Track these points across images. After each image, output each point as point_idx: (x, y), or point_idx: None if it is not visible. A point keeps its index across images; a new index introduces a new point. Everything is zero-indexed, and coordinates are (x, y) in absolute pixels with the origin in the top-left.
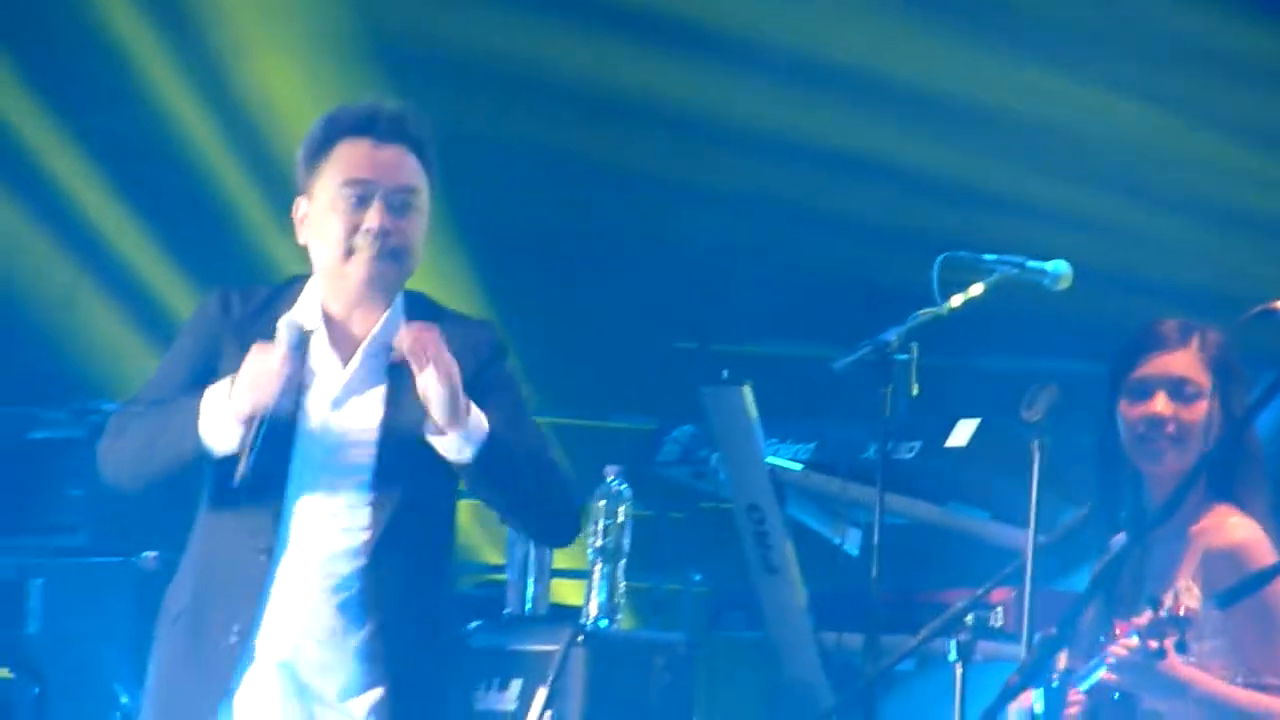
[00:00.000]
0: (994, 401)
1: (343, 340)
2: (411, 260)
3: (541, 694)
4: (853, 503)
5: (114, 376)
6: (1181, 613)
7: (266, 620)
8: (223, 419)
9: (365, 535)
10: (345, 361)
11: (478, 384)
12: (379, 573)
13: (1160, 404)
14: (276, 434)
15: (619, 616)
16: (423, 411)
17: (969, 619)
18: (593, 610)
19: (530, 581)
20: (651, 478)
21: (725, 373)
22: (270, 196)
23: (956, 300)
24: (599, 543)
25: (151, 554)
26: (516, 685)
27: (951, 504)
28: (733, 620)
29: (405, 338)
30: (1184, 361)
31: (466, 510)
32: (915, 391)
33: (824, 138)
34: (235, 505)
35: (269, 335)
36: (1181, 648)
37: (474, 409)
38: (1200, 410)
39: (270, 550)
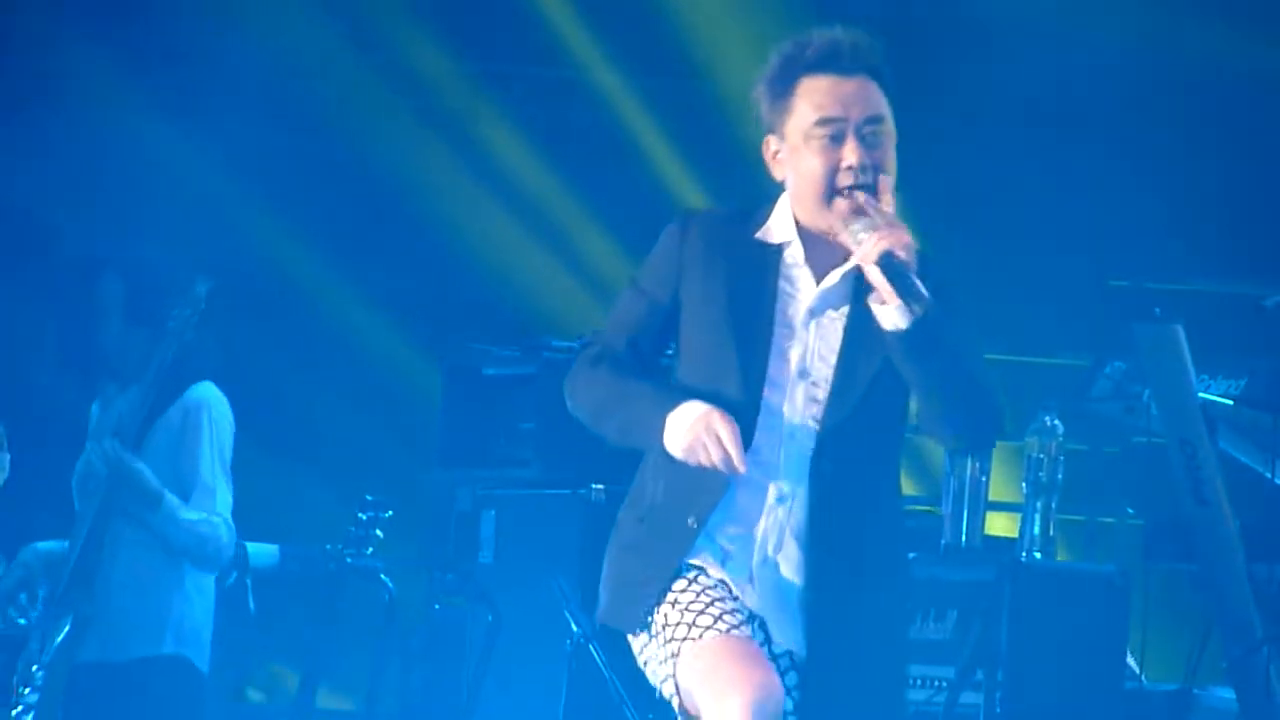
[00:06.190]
0: None
1: (817, 258)
2: (890, 186)
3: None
4: None
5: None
6: None
7: (723, 512)
8: (676, 440)
9: (814, 445)
10: (819, 279)
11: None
12: (825, 480)
13: None
14: (755, 346)
15: (1053, 549)
16: (880, 343)
17: None
18: (1027, 542)
19: (966, 514)
20: (1085, 413)
21: (1158, 310)
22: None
23: None
24: (1034, 477)
25: (599, 486)
26: (952, 615)
27: None
28: (1165, 552)
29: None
30: None
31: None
32: None
33: None
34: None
35: (734, 256)
36: None
37: (920, 287)
38: None
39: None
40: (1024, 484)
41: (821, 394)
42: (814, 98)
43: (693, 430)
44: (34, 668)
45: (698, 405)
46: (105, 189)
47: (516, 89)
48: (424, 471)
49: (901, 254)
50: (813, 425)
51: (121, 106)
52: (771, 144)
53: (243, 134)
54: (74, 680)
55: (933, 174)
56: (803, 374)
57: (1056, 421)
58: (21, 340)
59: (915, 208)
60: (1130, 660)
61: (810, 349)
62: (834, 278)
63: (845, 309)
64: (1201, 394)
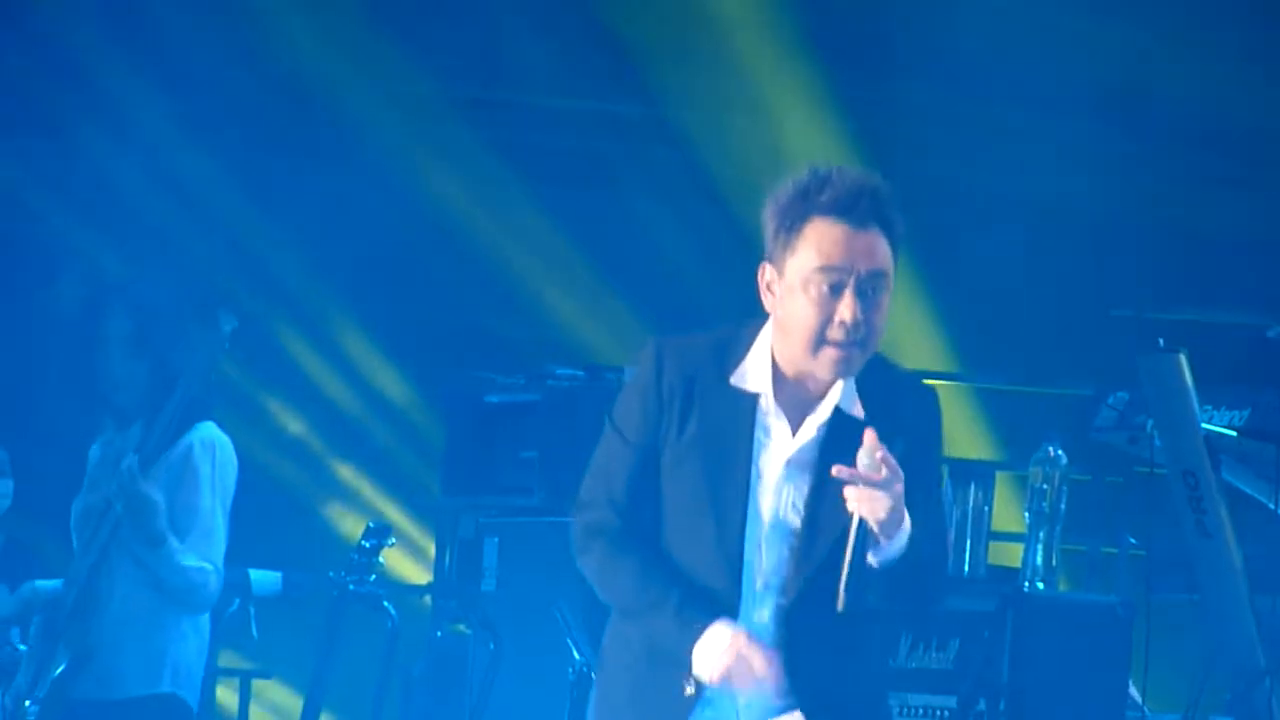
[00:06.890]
0: None
1: (791, 404)
2: (877, 342)
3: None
4: None
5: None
6: None
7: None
8: (708, 668)
9: (785, 599)
10: (795, 426)
11: (905, 466)
12: (798, 635)
13: None
14: (732, 502)
15: (1055, 579)
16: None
17: None
18: (1029, 572)
19: (969, 543)
20: (1088, 443)
21: (1161, 340)
22: None
23: None
24: (1037, 507)
25: None
26: (954, 645)
27: None
28: (1168, 583)
29: (868, 458)
30: None
31: None
32: None
33: None
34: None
35: (709, 401)
36: None
37: (905, 521)
38: None
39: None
40: (1026, 514)
41: (793, 545)
42: (821, 244)
43: (723, 659)
44: (26, 703)
45: (724, 631)
46: (112, 215)
47: (511, 117)
48: (427, 498)
49: (895, 508)
50: (785, 578)
51: (131, 132)
52: (767, 272)
53: (243, 157)
54: (68, 717)
55: (935, 202)
56: (775, 526)
57: (1059, 452)
58: (23, 367)
59: (918, 236)
60: (1133, 691)
61: (784, 500)
62: (810, 429)
63: (816, 458)
64: (1205, 425)
